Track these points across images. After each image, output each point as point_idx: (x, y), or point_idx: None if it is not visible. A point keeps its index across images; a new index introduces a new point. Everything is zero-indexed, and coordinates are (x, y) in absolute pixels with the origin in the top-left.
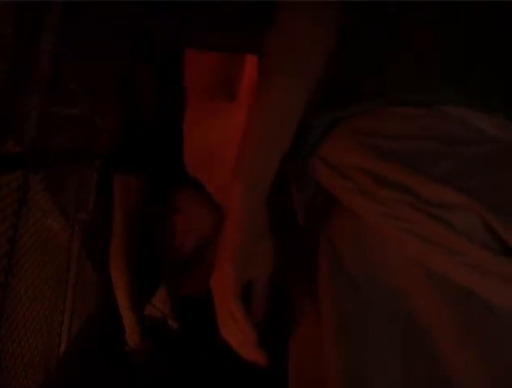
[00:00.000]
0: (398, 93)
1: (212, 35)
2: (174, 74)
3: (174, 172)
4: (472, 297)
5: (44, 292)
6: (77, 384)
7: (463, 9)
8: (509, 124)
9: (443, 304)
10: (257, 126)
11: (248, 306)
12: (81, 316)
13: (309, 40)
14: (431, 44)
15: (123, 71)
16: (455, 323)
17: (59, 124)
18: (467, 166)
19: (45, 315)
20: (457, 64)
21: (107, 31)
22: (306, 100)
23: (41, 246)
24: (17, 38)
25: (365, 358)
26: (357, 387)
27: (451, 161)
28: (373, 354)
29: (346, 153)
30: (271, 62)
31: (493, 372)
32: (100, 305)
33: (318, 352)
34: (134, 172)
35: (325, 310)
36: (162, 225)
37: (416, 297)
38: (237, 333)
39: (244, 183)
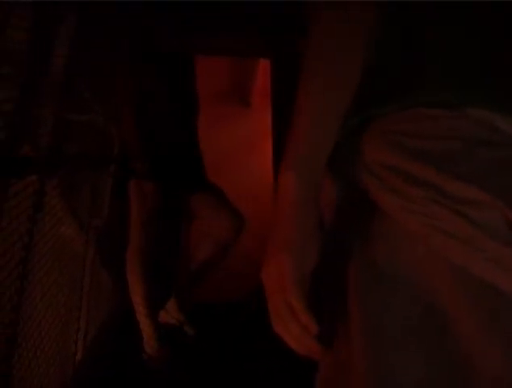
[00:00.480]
0: (424, 95)
1: (224, 40)
2: (186, 79)
3: (190, 177)
4: (494, 290)
5: (59, 299)
6: None
7: (480, 18)
8: None
9: (466, 297)
10: (308, 114)
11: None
12: (97, 323)
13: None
14: (453, 48)
15: (135, 78)
16: (477, 316)
17: (73, 131)
18: (490, 166)
19: (61, 323)
20: (476, 67)
21: (118, 39)
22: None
23: (56, 253)
24: (31, 43)
25: (391, 348)
26: (382, 375)
27: (474, 160)
28: (399, 344)
29: (374, 152)
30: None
31: None
32: (116, 311)
33: (346, 352)
34: (149, 177)
35: (354, 306)
36: (179, 230)
37: (440, 290)
38: (295, 326)
39: (298, 174)
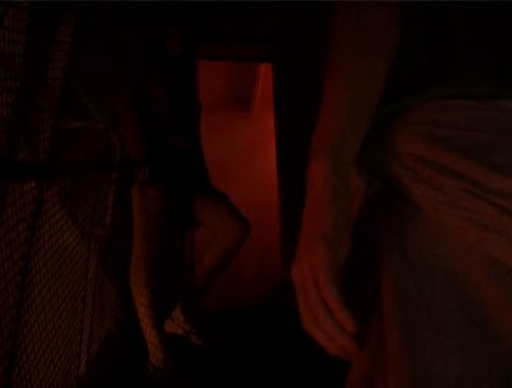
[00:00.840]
0: (454, 85)
1: (225, 45)
2: (188, 84)
3: (194, 183)
4: None
5: (61, 310)
6: None
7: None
8: None
9: (505, 291)
10: (339, 96)
11: None
12: (102, 335)
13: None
14: (482, 38)
15: (136, 83)
16: None
17: (74, 138)
18: None
19: (63, 335)
20: (506, 57)
21: (119, 43)
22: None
23: (57, 263)
24: (28, 45)
25: (430, 344)
26: (421, 372)
27: (506, 152)
28: (434, 337)
29: (407, 143)
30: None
31: None
32: (121, 323)
33: (381, 349)
34: (152, 183)
35: (387, 299)
36: (184, 237)
37: (477, 284)
38: (330, 324)
39: (329, 162)
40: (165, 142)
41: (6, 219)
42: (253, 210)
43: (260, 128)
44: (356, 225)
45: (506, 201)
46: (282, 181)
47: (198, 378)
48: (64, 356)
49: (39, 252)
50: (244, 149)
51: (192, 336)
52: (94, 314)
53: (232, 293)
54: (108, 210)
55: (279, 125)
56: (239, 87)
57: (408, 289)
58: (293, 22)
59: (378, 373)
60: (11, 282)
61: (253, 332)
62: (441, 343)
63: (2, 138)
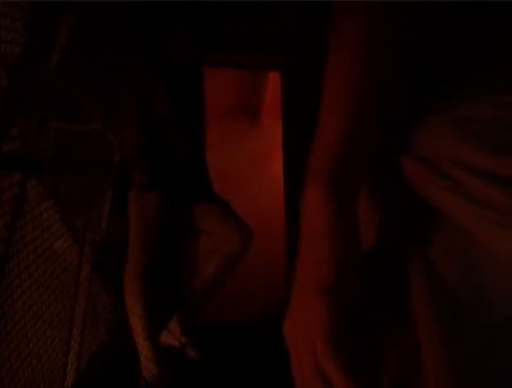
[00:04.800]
0: (487, 80)
1: (234, 52)
2: (191, 90)
3: (195, 189)
4: None
5: (45, 318)
6: None
7: None
8: None
9: None
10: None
11: None
12: (92, 345)
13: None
14: None
15: (138, 87)
16: None
17: (73, 140)
18: None
19: (47, 344)
20: None
21: (122, 46)
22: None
23: (41, 267)
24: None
25: (473, 363)
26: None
27: None
28: (481, 357)
29: (448, 146)
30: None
31: None
32: (113, 333)
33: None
34: (149, 188)
35: (425, 331)
36: (183, 245)
37: None
38: None
39: (326, 192)
40: (167, 148)
41: None
42: (258, 220)
43: (268, 138)
44: (377, 250)
45: None
46: (288, 192)
47: None
48: (47, 367)
49: (22, 253)
50: (251, 159)
51: (189, 349)
52: (85, 323)
53: (234, 305)
54: (104, 215)
55: (286, 135)
56: (247, 97)
57: (448, 320)
58: (302, 30)
59: None
60: None
61: (254, 346)
62: (486, 362)
63: None
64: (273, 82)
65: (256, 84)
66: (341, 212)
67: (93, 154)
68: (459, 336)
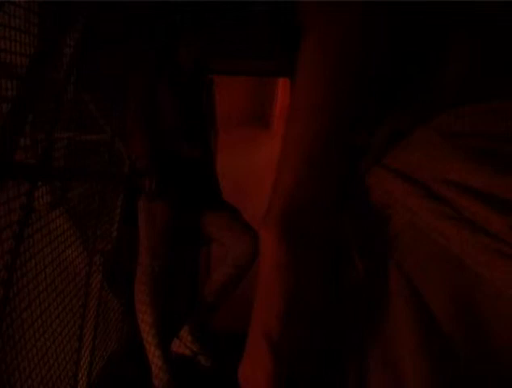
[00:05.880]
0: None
1: (244, 60)
2: (200, 98)
3: (205, 197)
4: None
5: (56, 326)
6: None
7: None
8: None
9: None
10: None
11: None
12: (103, 354)
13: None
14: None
15: (146, 95)
16: None
17: (80, 150)
18: None
19: (57, 353)
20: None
21: (131, 54)
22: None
23: (52, 275)
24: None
25: None
26: None
27: None
28: None
29: (441, 165)
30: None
31: None
32: (124, 342)
33: None
34: (159, 196)
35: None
36: (194, 253)
37: None
38: None
39: (279, 233)
40: (176, 154)
41: None
42: None
43: (278, 145)
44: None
45: None
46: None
47: None
48: (57, 376)
49: (29, 263)
50: (261, 167)
51: (200, 357)
52: (96, 332)
53: (242, 315)
54: (114, 223)
55: None
56: (258, 103)
57: (447, 367)
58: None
59: None
60: None
61: None
62: None
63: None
64: (284, 89)
65: (267, 91)
66: (290, 258)
67: (102, 164)
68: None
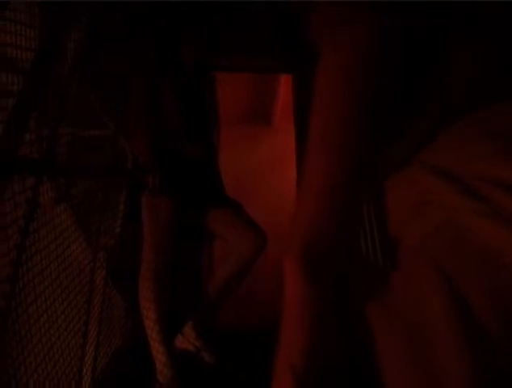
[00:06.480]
0: None
1: (245, 56)
2: (202, 95)
3: (208, 193)
4: None
5: (60, 322)
6: None
7: None
8: None
9: None
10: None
11: None
12: (107, 350)
13: None
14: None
15: (148, 89)
16: None
17: (84, 146)
18: None
19: (62, 348)
20: None
21: (133, 51)
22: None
23: (57, 270)
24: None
25: None
26: None
27: None
28: None
29: (476, 160)
30: None
31: None
32: (128, 338)
33: None
34: (162, 192)
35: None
36: (198, 249)
37: None
38: None
39: (304, 268)
40: (179, 152)
41: None
42: (271, 225)
43: (280, 143)
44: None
45: None
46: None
47: None
48: (62, 371)
49: (34, 258)
50: (264, 164)
51: (204, 354)
52: (100, 328)
53: (245, 312)
54: (118, 219)
55: (298, 140)
56: (259, 100)
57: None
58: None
59: None
60: None
61: (267, 352)
62: None
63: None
64: (285, 86)
65: (269, 88)
66: (314, 292)
67: (106, 159)
68: None
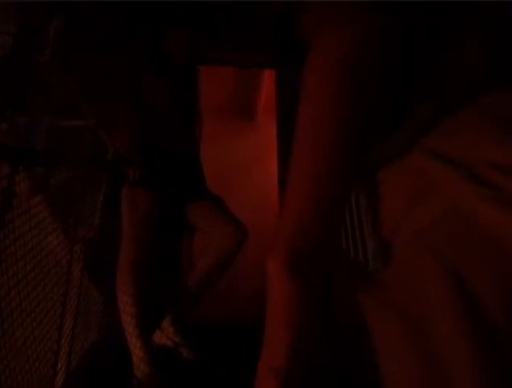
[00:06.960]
0: None
1: (229, 51)
2: (187, 89)
3: (189, 187)
4: None
5: (35, 315)
6: None
7: None
8: None
9: None
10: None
11: None
12: (84, 345)
13: None
14: None
15: (134, 84)
16: None
17: (64, 135)
18: None
19: (36, 342)
20: None
21: (118, 44)
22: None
23: (32, 262)
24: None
25: None
26: None
27: None
28: None
29: (483, 146)
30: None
31: None
32: (105, 332)
33: None
34: (142, 185)
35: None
36: (178, 242)
37: None
38: None
39: (289, 265)
40: (161, 144)
41: None
42: (252, 220)
43: (262, 138)
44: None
45: None
46: (283, 191)
47: None
48: (36, 367)
49: (8, 249)
50: (246, 159)
51: (182, 349)
52: (76, 321)
53: (226, 306)
54: (96, 211)
55: (281, 135)
56: (242, 95)
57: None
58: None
59: None
60: None
61: (247, 346)
62: None
63: None
64: (268, 79)
65: (251, 83)
66: (298, 292)
67: (86, 150)
68: None
